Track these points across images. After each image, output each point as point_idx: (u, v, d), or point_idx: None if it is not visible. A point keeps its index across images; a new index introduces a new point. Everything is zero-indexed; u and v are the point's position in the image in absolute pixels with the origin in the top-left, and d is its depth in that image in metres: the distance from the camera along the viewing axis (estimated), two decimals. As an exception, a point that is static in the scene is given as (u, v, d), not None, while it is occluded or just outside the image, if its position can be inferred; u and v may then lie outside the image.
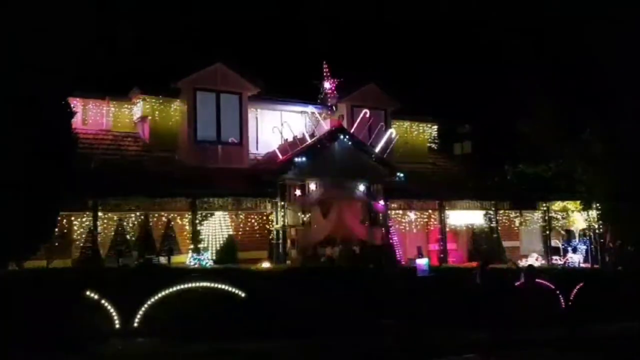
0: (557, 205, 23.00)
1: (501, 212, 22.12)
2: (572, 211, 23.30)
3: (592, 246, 23.01)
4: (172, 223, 16.98)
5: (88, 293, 13.22)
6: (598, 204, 22.58)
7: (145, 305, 13.77)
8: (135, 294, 13.78)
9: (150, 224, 16.64)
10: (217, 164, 18.60)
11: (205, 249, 17.00)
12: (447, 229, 21.19)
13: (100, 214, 15.95)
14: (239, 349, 12.87)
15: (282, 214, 17.75)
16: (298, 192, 17.87)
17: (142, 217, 16.53)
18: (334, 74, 19.39)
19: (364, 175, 18.94)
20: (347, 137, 18.77)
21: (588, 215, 23.24)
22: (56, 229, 14.16)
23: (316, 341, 13.71)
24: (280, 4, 32.70)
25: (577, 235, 23.54)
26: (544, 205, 22.79)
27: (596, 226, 23.01)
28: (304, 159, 17.82)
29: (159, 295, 13.86)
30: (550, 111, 22.06)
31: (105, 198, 15.81)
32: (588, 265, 22.56)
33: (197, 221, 16.88)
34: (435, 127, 24.70)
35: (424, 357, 13.47)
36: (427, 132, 24.32)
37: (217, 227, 17.77)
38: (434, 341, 14.36)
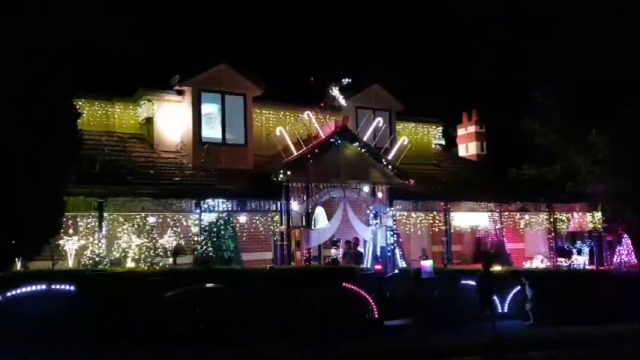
0: (562, 206, 22.94)
1: (506, 213, 22.06)
2: (577, 213, 23.23)
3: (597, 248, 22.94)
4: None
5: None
6: (603, 205, 22.49)
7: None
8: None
9: (155, 224, 16.62)
10: (221, 165, 18.63)
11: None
12: (452, 231, 21.15)
13: (105, 214, 15.99)
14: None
15: (287, 215, 17.74)
16: (302, 193, 17.86)
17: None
18: (339, 74, 19.43)
19: (369, 177, 18.93)
20: (351, 138, 18.75)
21: (593, 216, 23.16)
22: (61, 230, 14.20)
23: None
24: (283, 4, 32.80)
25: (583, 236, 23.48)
26: (549, 206, 22.71)
27: (601, 228, 22.93)
28: (308, 160, 17.82)
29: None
30: (555, 112, 22.00)
31: (110, 199, 15.84)
32: (593, 267, 22.47)
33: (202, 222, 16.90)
34: (440, 128, 24.71)
35: (426, 357, 13.43)
36: (431, 133, 24.30)
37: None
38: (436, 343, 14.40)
